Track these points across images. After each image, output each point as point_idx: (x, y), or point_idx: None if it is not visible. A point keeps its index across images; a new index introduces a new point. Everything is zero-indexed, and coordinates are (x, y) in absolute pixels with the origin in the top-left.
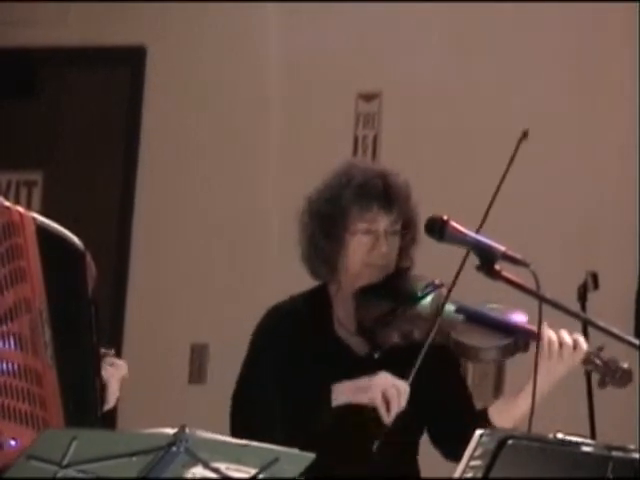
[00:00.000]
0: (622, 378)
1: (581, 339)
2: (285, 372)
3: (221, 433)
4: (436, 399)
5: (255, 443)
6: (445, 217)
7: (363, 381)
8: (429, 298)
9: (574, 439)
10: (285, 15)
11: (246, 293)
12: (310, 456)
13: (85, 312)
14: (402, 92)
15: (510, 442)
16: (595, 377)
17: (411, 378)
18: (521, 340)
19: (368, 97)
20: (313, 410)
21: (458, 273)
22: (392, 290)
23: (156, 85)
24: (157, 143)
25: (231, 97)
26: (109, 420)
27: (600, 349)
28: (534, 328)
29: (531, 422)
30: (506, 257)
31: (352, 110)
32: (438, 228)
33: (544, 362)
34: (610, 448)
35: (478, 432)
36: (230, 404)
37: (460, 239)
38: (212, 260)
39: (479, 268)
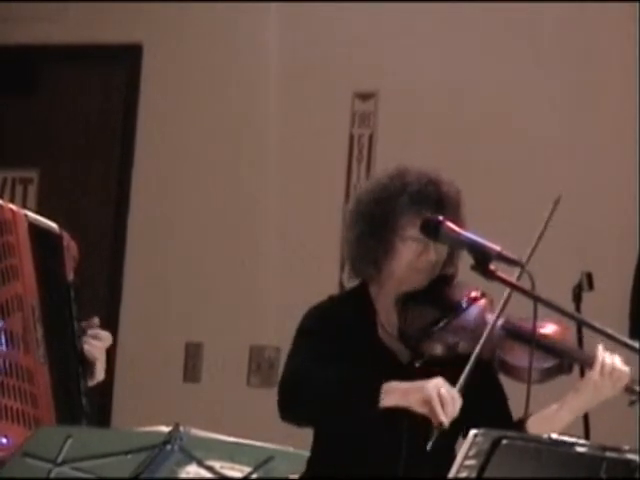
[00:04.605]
0: None
1: (626, 368)
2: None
3: (215, 431)
4: (473, 407)
5: (249, 442)
6: (440, 217)
7: (417, 383)
8: (472, 309)
9: (568, 439)
10: (283, 15)
11: (240, 293)
12: (304, 454)
13: (65, 298)
14: (398, 92)
15: (504, 442)
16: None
17: (458, 386)
18: (566, 363)
19: (364, 96)
20: (358, 407)
21: (511, 291)
22: (436, 298)
23: (152, 82)
24: (153, 141)
25: (227, 95)
26: (99, 396)
27: None
28: (582, 352)
29: (525, 422)
30: (501, 257)
31: (348, 109)
32: (433, 228)
33: (592, 380)
34: (604, 449)
35: (472, 432)
36: (278, 401)
37: (455, 239)
38: (207, 260)
39: (474, 268)
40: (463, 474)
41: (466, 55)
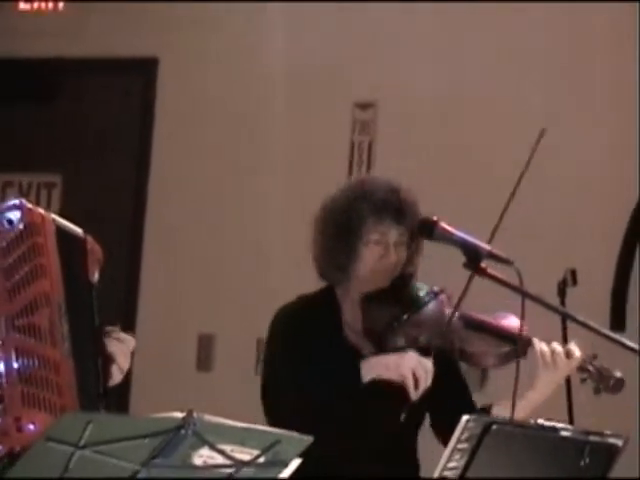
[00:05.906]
0: (615, 386)
1: (575, 348)
2: (303, 369)
3: (226, 417)
4: (438, 393)
5: (257, 426)
6: (434, 218)
7: (393, 358)
8: (432, 304)
9: (553, 425)
10: (288, 30)
11: (250, 289)
12: (309, 439)
13: (87, 297)
14: (396, 101)
15: (494, 427)
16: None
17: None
18: (520, 347)
19: (364, 106)
20: (344, 390)
21: (467, 285)
22: (397, 296)
23: (167, 94)
24: (168, 147)
25: (237, 106)
26: (116, 396)
27: (594, 357)
28: (530, 336)
29: (514, 410)
30: (491, 255)
31: (349, 118)
32: (428, 228)
33: (542, 372)
34: (587, 433)
35: (465, 417)
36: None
37: (448, 238)
38: (219, 258)
39: (466, 266)
40: (456, 457)
41: (461, 66)
